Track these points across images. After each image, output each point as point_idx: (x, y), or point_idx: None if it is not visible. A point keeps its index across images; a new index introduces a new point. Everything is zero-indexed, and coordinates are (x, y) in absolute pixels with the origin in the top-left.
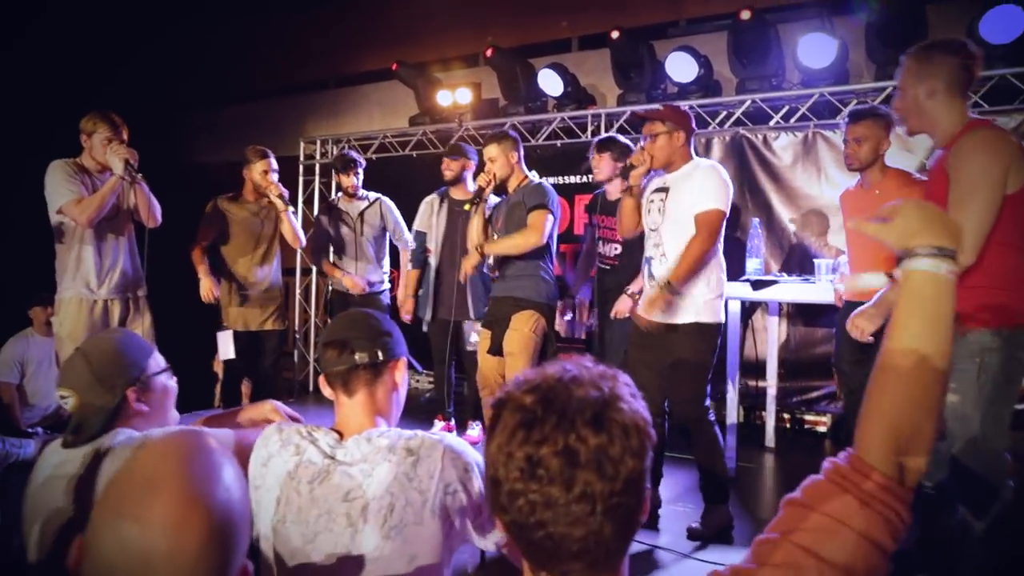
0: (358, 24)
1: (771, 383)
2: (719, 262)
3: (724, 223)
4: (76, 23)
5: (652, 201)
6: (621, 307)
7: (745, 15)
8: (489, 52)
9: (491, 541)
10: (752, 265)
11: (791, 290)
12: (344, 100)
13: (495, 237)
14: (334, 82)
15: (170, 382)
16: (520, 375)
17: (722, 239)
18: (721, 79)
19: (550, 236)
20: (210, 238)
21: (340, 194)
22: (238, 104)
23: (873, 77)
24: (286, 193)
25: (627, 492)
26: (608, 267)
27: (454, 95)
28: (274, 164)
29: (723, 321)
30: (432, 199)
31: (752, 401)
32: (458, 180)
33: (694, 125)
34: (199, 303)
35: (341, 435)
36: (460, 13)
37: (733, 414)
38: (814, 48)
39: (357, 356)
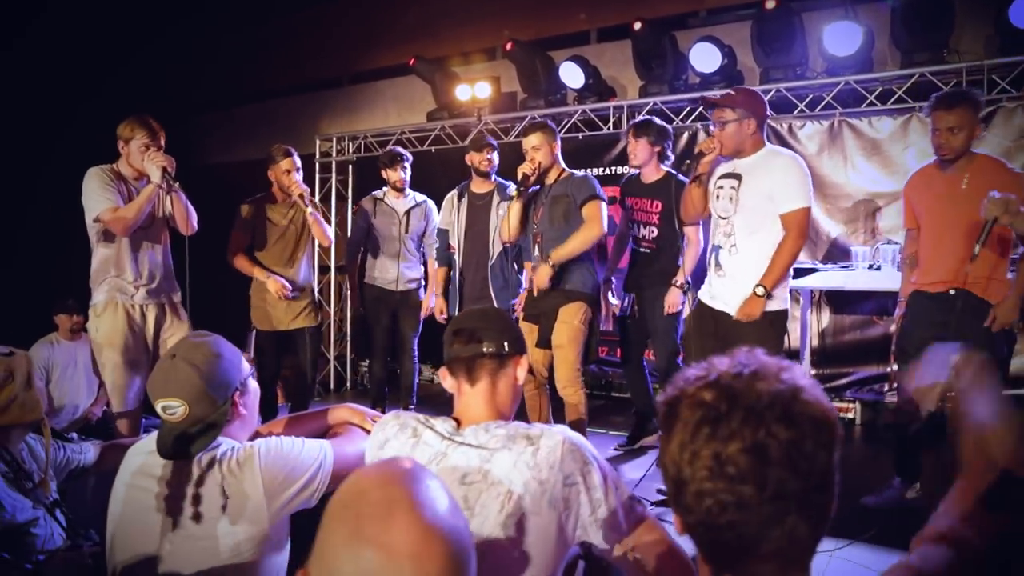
0: (373, 19)
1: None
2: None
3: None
4: (85, 23)
5: (722, 187)
6: (672, 300)
7: (770, 4)
8: (508, 45)
9: (602, 537)
10: None
11: (831, 278)
12: (360, 96)
13: (535, 227)
14: (349, 79)
15: (256, 384)
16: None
17: None
18: (744, 69)
19: None
20: (245, 243)
21: (386, 189)
22: (252, 102)
23: (899, 65)
24: (307, 191)
25: (821, 488)
26: (646, 250)
27: (473, 89)
28: (298, 162)
29: (788, 308)
30: (452, 195)
31: None
32: (489, 172)
33: (767, 111)
34: (228, 305)
35: (459, 423)
36: (477, 7)
37: None
38: (839, 36)
39: (484, 345)
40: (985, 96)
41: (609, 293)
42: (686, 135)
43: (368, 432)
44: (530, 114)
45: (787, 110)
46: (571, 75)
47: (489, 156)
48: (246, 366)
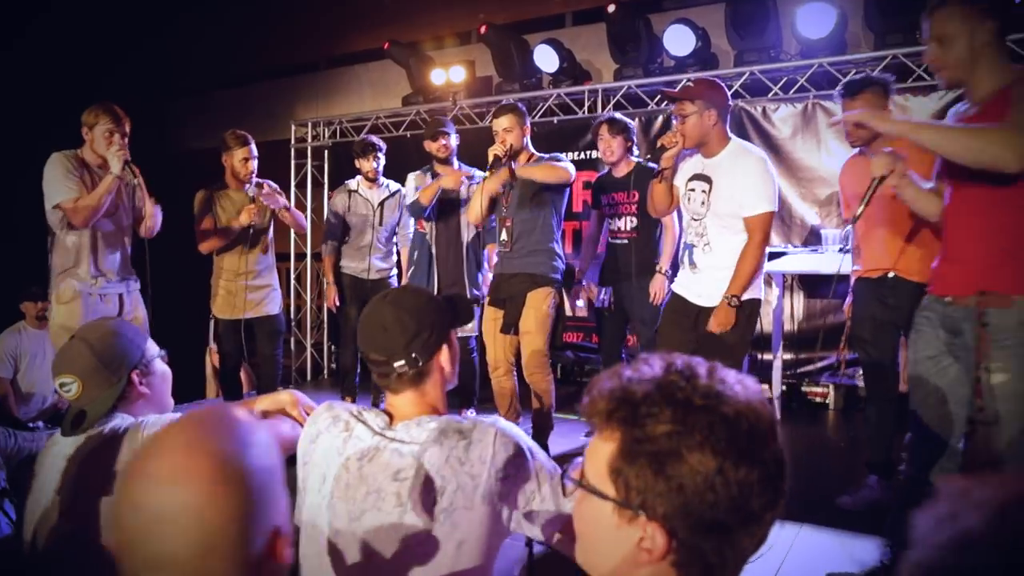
0: (348, 3)
1: (776, 355)
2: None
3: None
4: (60, 15)
5: (693, 190)
6: (657, 286)
7: None
8: (483, 29)
9: (539, 529)
10: None
11: (800, 261)
12: (335, 81)
13: (504, 211)
14: (324, 63)
15: (166, 367)
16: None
17: None
18: (719, 52)
19: (560, 212)
20: (211, 227)
21: (359, 178)
22: (227, 88)
23: (872, 47)
24: (273, 201)
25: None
26: (624, 240)
27: (448, 73)
28: (254, 151)
29: (761, 297)
30: (417, 176)
31: (757, 374)
32: (449, 158)
33: (729, 100)
34: (189, 295)
35: (392, 418)
36: None
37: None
38: (812, 18)
39: (396, 365)
40: None
41: (584, 280)
42: (660, 118)
43: (299, 422)
44: (505, 98)
45: (761, 93)
46: (546, 59)
47: (445, 142)
48: (152, 348)
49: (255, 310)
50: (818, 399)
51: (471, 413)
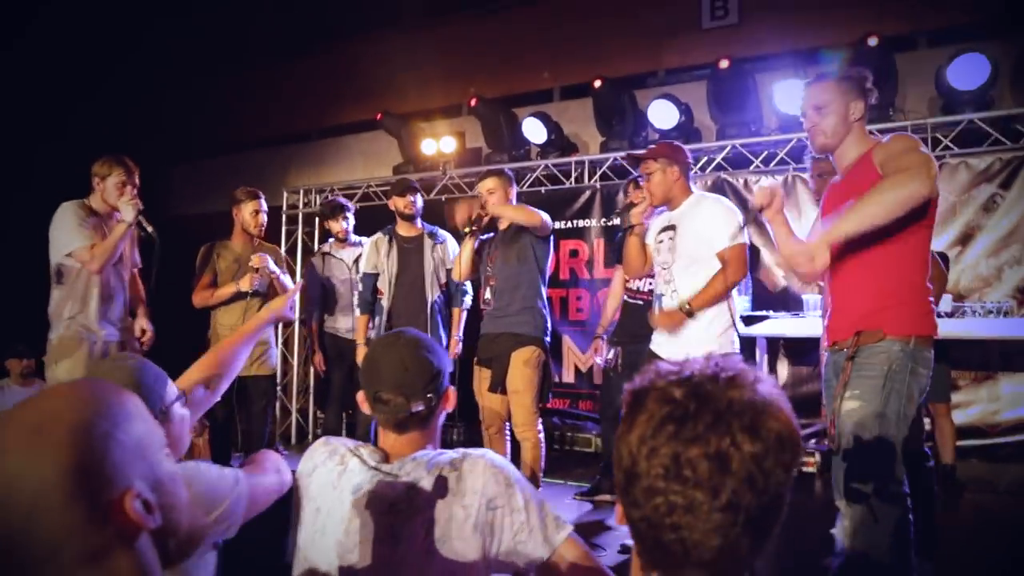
0: (341, 76)
1: None
2: (730, 294)
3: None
4: (54, 71)
5: (661, 241)
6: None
7: (723, 64)
8: (473, 102)
9: (526, 562)
10: (741, 303)
11: (781, 325)
12: (328, 150)
13: (489, 271)
14: (317, 133)
15: (184, 410)
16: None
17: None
18: (701, 126)
19: (544, 270)
20: (208, 284)
21: (331, 241)
22: (221, 155)
23: None
24: (272, 272)
25: (772, 506)
26: (641, 302)
27: (439, 144)
28: (264, 205)
29: (738, 351)
30: (379, 238)
31: None
32: (414, 216)
33: (689, 159)
34: (184, 348)
35: (387, 455)
36: (443, 64)
37: None
38: (790, 94)
39: (413, 405)
40: (931, 152)
41: (603, 336)
42: None
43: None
44: (494, 168)
45: (743, 165)
46: (534, 131)
47: (412, 199)
48: (172, 391)
49: (252, 368)
50: (806, 468)
51: None
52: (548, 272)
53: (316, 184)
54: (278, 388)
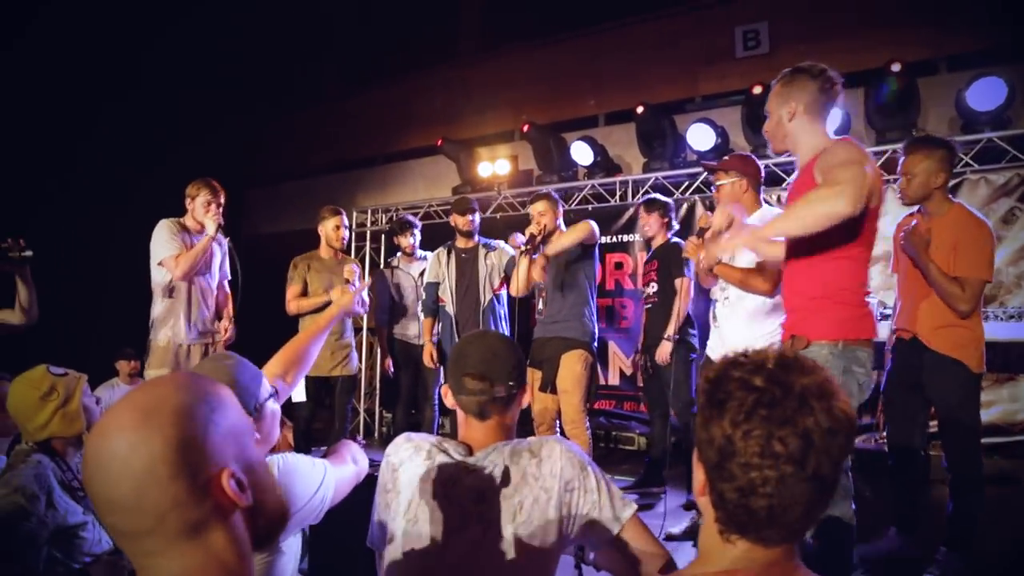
0: (404, 106)
1: None
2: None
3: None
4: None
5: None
6: (661, 353)
7: (757, 90)
8: (525, 128)
9: (596, 538)
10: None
11: None
12: (391, 174)
13: (541, 284)
14: (383, 158)
15: (276, 406)
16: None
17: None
18: (736, 147)
19: (591, 281)
20: (298, 293)
21: (399, 255)
22: (296, 179)
23: (874, 142)
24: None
25: (838, 470)
26: (650, 305)
27: (493, 166)
28: (345, 221)
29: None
30: (440, 252)
31: None
32: (472, 232)
33: (760, 172)
34: (266, 351)
35: (470, 447)
36: (497, 94)
37: None
38: None
39: (495, 390)
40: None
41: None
42: (685, 206)
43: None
44: (545, 188)
45: (776, 183)
46: (581, 153)
47: (471, 218)
48: (266, 388)
49: (339, 369)
50: None
51: None
52: (595, 282)
53: (382, 204)
54: None
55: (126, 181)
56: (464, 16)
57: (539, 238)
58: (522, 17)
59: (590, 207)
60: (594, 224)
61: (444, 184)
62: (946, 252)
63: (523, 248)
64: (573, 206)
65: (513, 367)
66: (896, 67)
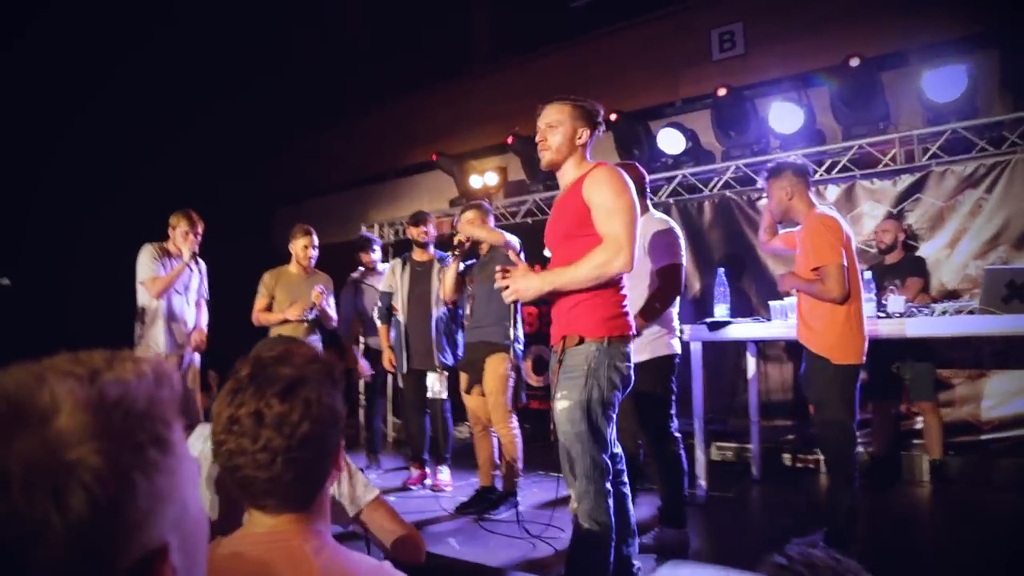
0: (406, 123)
1: (753, 421)
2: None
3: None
4: (182, 134)
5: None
6: None
7: (721, 92)
8: (510, 139)
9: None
10: (720, 311)
11: (742, 329)
12: (399, 189)
13: (470, 290)
14: (392, 174)
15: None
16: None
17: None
18: (714, 149)
19: None
20: (264, 305)
21: (362, 269)
22: (317, 196)
23: (841, 138)
24: (308, 313)
25: (303, 449)
26: None
27: (483, 178)
28: (315, 241)
29: (673, 353)
30: (396, 263)
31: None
32: (427, 243)
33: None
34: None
35: None
36: (489, 108)
37: (701, 451)
38: (780, 116)
39: None
40: (918, 162)
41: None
42: (661, 210)
43: None
44: (532, 197)
45: (748, 184)
46: None
47: (425, 229)
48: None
49: None
50: (811, 466)
51: (444, 468)
52: None
53: (389, 218)
54: None
55: (145, 209)
56: (475, 36)
57: (467, 245)
58: (522, 33)
59: None
60: (512, 239)
61: (444, 197)
62: (806, 256)
63: (452, 254)
64: None
65: None
66: (854, 62)
